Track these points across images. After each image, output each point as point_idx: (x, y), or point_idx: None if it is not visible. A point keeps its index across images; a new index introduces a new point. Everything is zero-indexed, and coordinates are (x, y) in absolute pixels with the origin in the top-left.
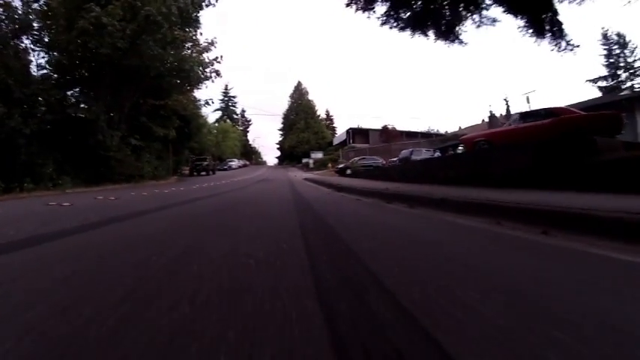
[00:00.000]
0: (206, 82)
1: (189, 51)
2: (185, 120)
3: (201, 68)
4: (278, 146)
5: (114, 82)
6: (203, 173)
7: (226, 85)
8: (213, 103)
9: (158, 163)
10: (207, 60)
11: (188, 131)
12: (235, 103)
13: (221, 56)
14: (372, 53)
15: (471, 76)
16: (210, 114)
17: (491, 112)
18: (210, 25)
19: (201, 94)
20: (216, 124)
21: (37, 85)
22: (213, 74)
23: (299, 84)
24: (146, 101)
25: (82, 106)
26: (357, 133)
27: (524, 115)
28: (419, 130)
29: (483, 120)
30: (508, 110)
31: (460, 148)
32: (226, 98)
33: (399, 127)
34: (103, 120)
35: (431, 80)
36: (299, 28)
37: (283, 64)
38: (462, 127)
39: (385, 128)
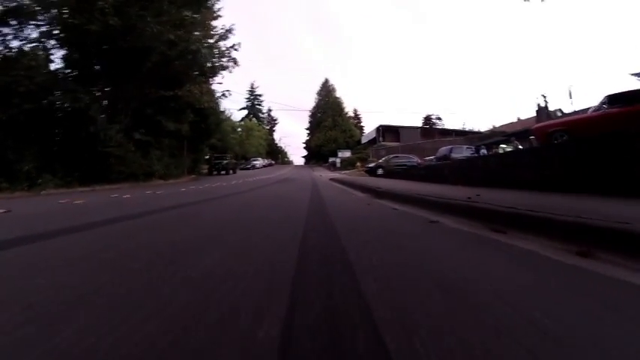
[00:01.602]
0: (222, 71)
1: (197, 33)
2: (202, 114)
3: (216, 53)
4: (304, 145)
5: (109, 67)
6: (223, 172)
7: (252, 84)
8: (231, 94)
9: (170, 161)
10: (223, 47)
11: (205, 127)
12: (261, 101)
13: (239, 43)
14: (399, 52)
15: (502, 73)
16: (236, 112)
17: (539, 104)
18: (238, 25)
19: (227, 90)
20: (241, 122)
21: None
22: (231, 63)
23: (326, 81)
24: (152, 91)
25: (75, 94)
26: (387, 131)
27: (616, 98)
28: (453, 128)
29: (519, 118)
30: (545, 106)
31: (503, 145)
32: (252, 97)
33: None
34: (96, 110)
35: (459, 79)
36: (328, 25)
37: (310, 62)
38: (496, 126)
39: (429, 121)
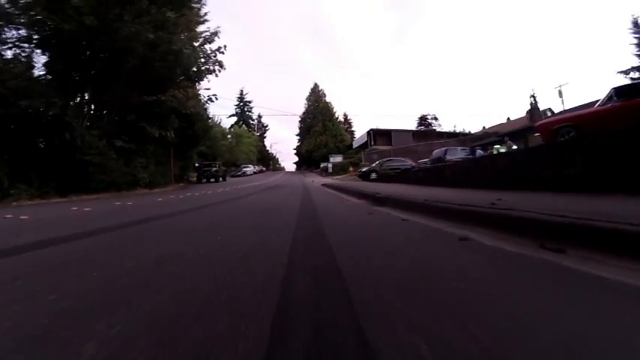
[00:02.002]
0: (209, 75)
1: (182, 37)
2: (188, 120)
3: (201, 56)
4: (295, 151)
5: (87, 71)
6: (212, 180)
7: (241, 90)
8: (217, 99)
9: (156, 169)
10: (209, 51)
11: (193, 133)
12: (251, 108)
13: (225, 46)
14: (387, 55)
15: (489, 75)
16: (226, 119)
17: (531, 104)
18: (226, 30)
19: (213, 95)
20: (231, 129)
21: None
22: (217, 67)
23: (315, 86)
24: (134, 96)
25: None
26: (379, 135)
27: (623, 91)
28: (444, 130)
29: (508, 118)
30: (536, 105)
31: (496, 146)
32: (242, 103)
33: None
34: (72, 116)
35: (447, 81)
36: (317, 31)
37: (300, 68)
38: (487, 127)
39: (425, 120)
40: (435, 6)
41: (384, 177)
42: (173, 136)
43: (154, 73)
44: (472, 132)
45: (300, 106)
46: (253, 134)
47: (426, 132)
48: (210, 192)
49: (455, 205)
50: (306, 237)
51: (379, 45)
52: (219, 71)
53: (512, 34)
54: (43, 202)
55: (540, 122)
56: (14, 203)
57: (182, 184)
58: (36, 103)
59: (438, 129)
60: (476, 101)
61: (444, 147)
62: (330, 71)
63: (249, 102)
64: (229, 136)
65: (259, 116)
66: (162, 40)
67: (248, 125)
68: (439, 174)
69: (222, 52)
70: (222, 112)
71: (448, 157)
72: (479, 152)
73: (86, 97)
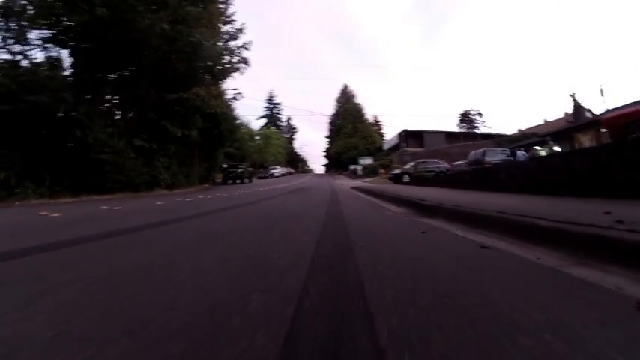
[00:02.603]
0: (233, 73)
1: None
2: (213, 120)
3: (225, 53)
4: (325, 154)
5: (103, 66)
6: (238, 181)
7: (270, 92)
8: (242, 97)
9: (179, 170)
10: (233, 47)
11: (218, 134)
12: (280, 110)
13: (250, 42)
14: (415, 56)
15: (524, 75)
16: (255, 121)
17: (576, 102)
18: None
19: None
20: (260, 131)
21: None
22: (242, 64)
23: (345, 87)
24: (153, 93)
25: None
26: (410, 136)
27: None
28: (478, 132)
29: (545, 120)
30: (580, 105)
31: (537, 148)
32: (271, 105)
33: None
34: (84, 112)
35: (480, 82)
36: (346, 32)
37: (330, 70)
38: (522, 129)
39: (467, 117)
40: (463, 6)
41: (419, 180)
42: (197, 135)
43: (173, 69)
44: (508, 134)
45: (329, 109)
46: (282, 136)
47: (459, 133)
48: (225, 194)
49: (560, 224)
50: (327, 270)
51: (409, 46)
52: (245, 68)
53: (542, 36)
54: (51, 202)
55: (608, 116)
56: (17, 203)
57: (207, 186)
58: (43, 99)
59: (482, 126)
60: (507, 103)
61: (481, 148)
62: (359, 73)
63: (279, 104)
64: (257, 137)
65: (288, 118)
66: (180, 33)
67: (277, 127)
68: (490, 177)
69: (247, 49)
70: (251, 114)
71: (487, 159)
72: (520, 154)
73: (106, 96)
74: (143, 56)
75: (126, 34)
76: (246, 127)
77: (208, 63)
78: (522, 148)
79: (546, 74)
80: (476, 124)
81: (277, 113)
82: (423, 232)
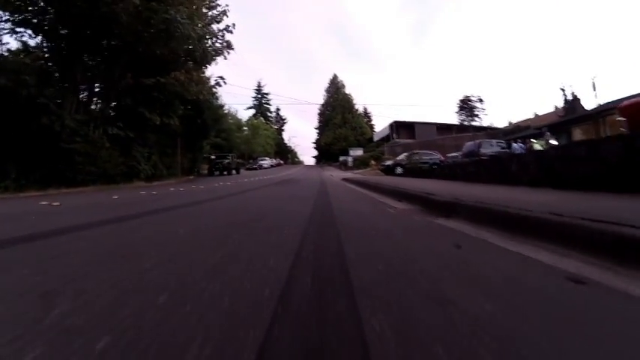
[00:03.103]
0: (216, 57)
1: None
2: (196, 108)
3: (208, 37)
4: (314, 145)
5: (67, 44)
6: (225, 173)
7: (259, 82)
8: (225, 83)
9: (160, 160)
10: (216, 30)
11: (202, 122)
12: (269, 100)
13: (233, 24)
14: (405, 49)
15: (512, 69)
16: (243, 111)
17: (573, 93)
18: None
19: (221, 78)
20: (247, 121)
21: None
22: (225, 48)
23: (335, 77)
24: (128, 77)
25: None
26: (401, 127)
27: None
28: (470, 124)
29: (536, 113)
30: (566, 100)
31: (533, 140)
32: (259, 95)
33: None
34: (50, 96)
35: (470, 74)
36: (336, 23)
37: (319, 61)
38: (513, 122)
39: (467, 103)
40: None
41: (413, 172)
42: (178, 124)
43: (149, 51)
44: (500, 127)
45: (319, 100)
46: (271, 127)
47: (451, 125)
48: (202, 186)
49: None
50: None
51: (400, 38)
52: (229, 53)
53: (530, 30)
54: (8, 197)
55: (626, 103)
56: None
57: (191, 177)
58: (1, 81)
59: (483, 114)
60: (496, 96)
61: (476, 140)
62: (350, 63)
63: (267, 94)
64: (245, 128)
65: (277, 109)
66: (154, 11)
67: (266, 118)
68: (497, 168)
69: (231, 32)
70: (239, 103)
71: (483, 151)
72: (517, 146)
73: (78, 80)
74: (114, 36)
75: (92, 9)
76: (233, 116)
77: (188, 46)
78: (519, 140)
79: (535, 68)
80: (476, 112)
81: (266, 103)
82: (458, 247)
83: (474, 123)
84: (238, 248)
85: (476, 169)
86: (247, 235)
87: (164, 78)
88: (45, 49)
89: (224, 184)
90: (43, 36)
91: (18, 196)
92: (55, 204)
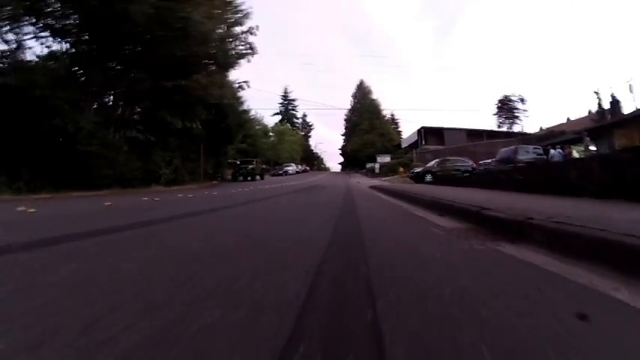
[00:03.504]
0: (239, 60)
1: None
2: (219, 113)
3: (229, 40)
4: (341, 152)
5: (88, 49)
6: (249, 178)
7: (285, 89)
8: (249, 87)
9: (182, 165)
10: (238, 33)
11: (225, 127)
12: (295, 106)
13: (256, 27)
14: (434, 53)
15: (544, 74)
16: (269, 118)
17: (613, 95)
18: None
19: (244, 81)
20: (274, 127)
21: None
22: (248, 51)
23: (361, 82)
24: (146, 80)
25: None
26: (430, 133)
27: None
28: (500, 130)
29: (568, 118)
30: (600, 104)
31: (579, 145)
32: (286, 102)
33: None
34: (64, 98)
35: (498, 80)
36: (362, 30)
37: (346, 68)
38: (543, 128)
39: (507, 104)
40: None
41: (445, 179)
42: (200, 128)
43: (168, 53)
44: (531, 132)
45: (345, 107)
46: (297, 133)
47: (481, 131)
48: (222, 192)
49: None
50: None
51: (424, 42)
52: (252, 56)
53: (560, 34)
54: (15, 199)
55: None
56: None
57: (215, 182)
58: (9, 81)
59: (524, 116)
60: (526, 102)
61: (511, 146)
62: (376, 71)
63: (294, 100)
64: (272, 134)
65: (304, 115)
66: (169, 9)
67: (292, 124)
68: (550, 175)
69: (253, 33)
70: (266, 108)
71: (519, 157)
72: (555, 152)
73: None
74: (130, 36)
75: (107, 8)
76: (259, 122)
77: (209, 48)
78: (558, 146)
79: (565, 72)
80: (516, 114)
81: (292, 109)
82: (583, 318)
83: (515, 126)
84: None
85: (524, 176)
86: (253, 264)
87: (185, 81)
88: (65, 53)
89: (243, 191)
90: (61, 38)
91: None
92: (30, 210)
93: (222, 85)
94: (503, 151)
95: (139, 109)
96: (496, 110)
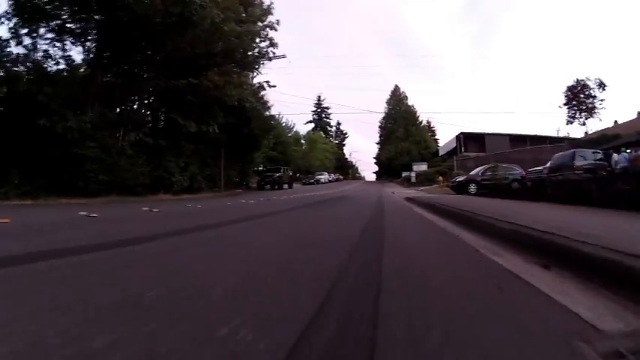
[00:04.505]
0: (261, 59)
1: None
2: (240, 116)
3: (247, 35)
4: (375, 160)
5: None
6: (277, 187)
7: (319, 96)
8: (270, 86)
9: (200, 172)
10: (259, 29)
11: (249, 132)
12: (329, 114)
13: (277, 21)
14: (466, 60)
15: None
16: (302, 126)
17: None
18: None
19: (266, 81)
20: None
21: None
22: (269, 48)
23: (396, 88)
24: (151, 77)
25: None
26: (469, 139)
27: None
28: (545, 135)
29: (616, 121)
30: None
31: None
32: (319, 109)
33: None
34: (50, 94)
35: (535, 82)
36: (396, 35)
37: (380, 76)
38: (589, 132)
39: (581, 91)
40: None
41: (494, 190)
42: (218, 131)
43: (177, 48)
44: (578, 137)
45: (380, 114)
46: (330, 140)
47: (525, 136)
48: (230, 204)
49: None
50: None
51: (462, 46)
52: (273, 53)
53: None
54: None
55: None
56: None
57: (239, 191)
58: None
59: (600, 105)
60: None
61: (568, 150)
62: (409, 76)
63: (327, 108)
64: (303, 141)
65: (338, 123)
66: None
67: (326, 132)
68: None
69: (274, 29)
70: (297, 116)
71: (577, 163)
72: (619, 157)
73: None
74: (134, 28)
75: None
76: (288, 128)
77: (223, 42)
78: (625, 149)
79: (611, 71)
80: (590, 103)
81: (326, 117)
82: None
83: (589, 121)
84: None
85: (630, 185)
86: None
87: (196, 79)
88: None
89: (258, 202)
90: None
91: None
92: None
93: (239, 84)
94: (558, 157)
95: (146, 111)
96: (565, 101)
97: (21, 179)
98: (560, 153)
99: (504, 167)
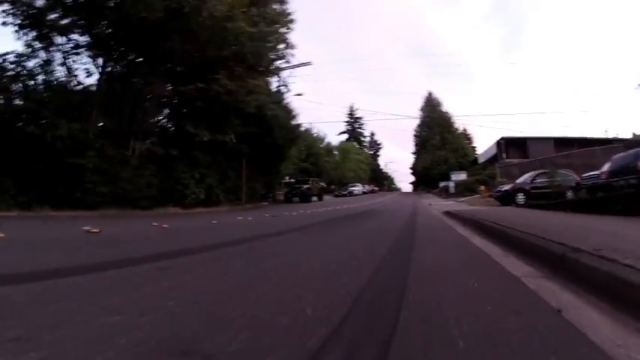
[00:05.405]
0: (278, 62)
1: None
2: (263, 125)
3: (258, 35)
4: (411, 170)
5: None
6: (305, 199)
7: (351, 107)
8: (288, 90)
9: (218, 184)
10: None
11: (272, 142)
12: (362, 125)
13: (293, 20)
14: (504, 58)
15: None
16: (334, 137)
17: None
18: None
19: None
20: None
21: None
22: (287, 50)
23: (430, 95)
24: (156, 81)
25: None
26: (511, 145)
27: None
28: (591, 137)
29: None
30: None
31: None
32: (352, 120)
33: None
34: (36, 100)
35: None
36: (427, 42)
37: (413, 84)
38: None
39: None
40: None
41: (548, 200)
42: (234, 141)
43: (183, 49)
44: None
45: (414, 123)
46: (364, 151)
47: (572, 139)
48: (241, 218)
49: None
50: None
51: (492, 50)
52: (291, 55)
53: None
54: None
55: None
56: None
57: (265, 204)
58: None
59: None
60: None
61: (630, 150)
62: (441, 83)
63: (360, 118)
64: (336, 152)
65: (372, 133)
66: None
67: (360, 143)
68: None
69: (290, 28)
70: (330, 126)
71: None
72: None
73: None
74: (135, 27)
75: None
76: (320, 138)
77: (230, 42)
78: None
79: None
80: None
81: (359, 128)
82: None
83: None
84: None
85: None
86: None
87: (206, 84)
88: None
89: (271, 217)
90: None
91: None
92: None
93: (253, 90)
94: (618, 159)
95: (154, 119)
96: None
97: (18, 190)
98: (621, 154)
99: (562, 173)
